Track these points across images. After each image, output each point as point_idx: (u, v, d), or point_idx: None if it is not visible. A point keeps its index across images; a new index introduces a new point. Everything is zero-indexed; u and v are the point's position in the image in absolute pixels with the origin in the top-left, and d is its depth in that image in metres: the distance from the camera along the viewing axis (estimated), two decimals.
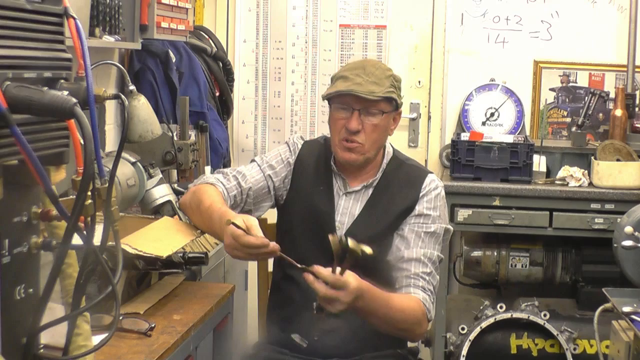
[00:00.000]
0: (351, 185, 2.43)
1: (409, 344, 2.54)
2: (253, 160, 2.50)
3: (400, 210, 2.39)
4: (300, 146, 2.51)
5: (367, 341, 2.37)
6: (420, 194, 2.41)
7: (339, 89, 2.33)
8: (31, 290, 1.28)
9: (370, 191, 2.43)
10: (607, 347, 2.86)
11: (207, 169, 3.55)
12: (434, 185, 2.43)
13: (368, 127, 2.35)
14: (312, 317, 2.13)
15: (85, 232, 1.24)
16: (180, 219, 2.70)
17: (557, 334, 3.49)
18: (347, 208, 2.43)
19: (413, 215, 2.39)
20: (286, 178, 2.48)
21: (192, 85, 3.46)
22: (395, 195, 2.41)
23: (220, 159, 3.73)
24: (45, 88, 1.19)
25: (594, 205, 3.51)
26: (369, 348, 2.38)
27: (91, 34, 2.53)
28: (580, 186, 3.55)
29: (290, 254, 2.11)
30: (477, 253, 3.75)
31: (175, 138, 3.01)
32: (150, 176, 2.72)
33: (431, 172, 2.49)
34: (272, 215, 2.56)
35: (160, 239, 2.27)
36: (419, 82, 4.17)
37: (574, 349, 3.51)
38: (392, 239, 2.38)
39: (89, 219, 1.24)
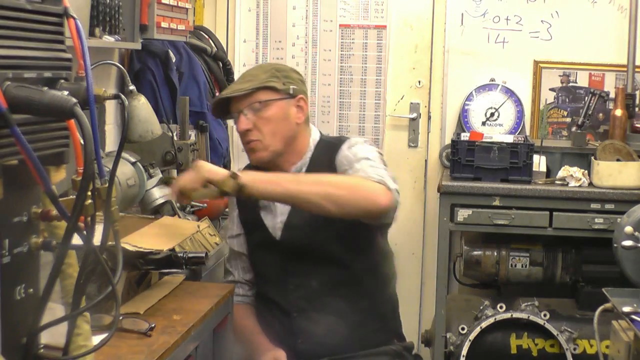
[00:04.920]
0: None
1: (400, 340, 2.52)
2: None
3: None
4: None
5: (359, 339, 2.37)
6: (337, 155, 2.41)
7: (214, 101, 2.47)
8: (31, 290, 1.28)
9: None
10: (607, 347, 2.86)
11: None
12: (349, 143, 2.42)
13: (259, 122, 2.39)
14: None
15: (85, 232, 1.24)
16: (180, 217, 2.70)
17: (557, 334, 3.49)
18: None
19: (339, 168, 2.39)
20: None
21: (192, 85, 3.46)
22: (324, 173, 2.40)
23: (220, 159, 3.73)
24: (45, 88, 1.19)
25: (594, 205, 3.51)
26: (361, 346, 2.38)
27: (91, 34, 2.53)
28: (580, 186, 3.55)
29: (256, 273, 2.45)
30: (477, 253, 3.75)
31: (175, 138, 3.01)
32: (150, 176, 2.72)
33: (350, 138, 2.48)
34: None
35: (160, 235, 2.27)
36: (419, 82, 4.17)
37: (574, 349, 3.51)
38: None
39: (89, 219, 1.24)
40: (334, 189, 2.20)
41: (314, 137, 2.50)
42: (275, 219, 2.47)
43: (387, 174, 2.31)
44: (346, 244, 2.40)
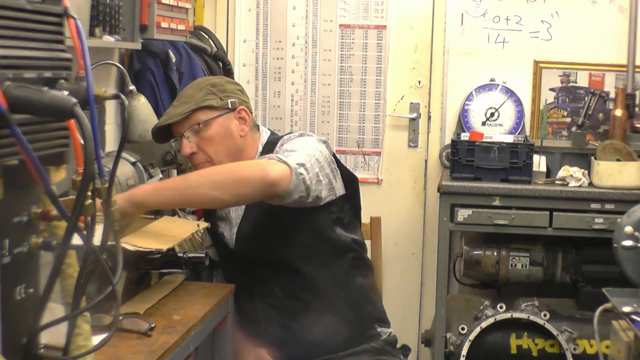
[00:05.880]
0: None
1: (384, 334, 2.49)
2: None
3: None
4: None
5: (337, 337, 2.36)
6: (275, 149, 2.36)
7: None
8: (31, 290, 1.28)
9: None
10: (607, 347, 2.86)
11: None
12: (282, 140, 2.37)
13: (202, 143, 2.38)
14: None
15: (85, 232, 1.24)
16: (180, 217, 2.70)
17: (557, 334, 3.49)
18: (239, 214, 2.45)
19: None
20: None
21: None
22: None
23: None
24: (45, 88, 1.19)
25: (594, 205, 3.51)
26: (341, 344, 2.37)
27: (91, 34, 2.53)
28: (580, 186, 3.55)
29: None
30: (477, 253, 3.75)
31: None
32: (150, 176, 2.72)
33: (291, 133, 2.43)
34: None
35: (160, 235, 2.28)
36: (419, 82, 4.17)
37: (574, 349, 3.51)
38: (277, 210, 2.31)
39: (89, 219, 1.24)
40: (217, 176, 2.16)
41: (263, 140, 2.48)
42: (232, 230, 2.47)
43: (303, 156, 2.22)
44: (297, 247, 2.38)
